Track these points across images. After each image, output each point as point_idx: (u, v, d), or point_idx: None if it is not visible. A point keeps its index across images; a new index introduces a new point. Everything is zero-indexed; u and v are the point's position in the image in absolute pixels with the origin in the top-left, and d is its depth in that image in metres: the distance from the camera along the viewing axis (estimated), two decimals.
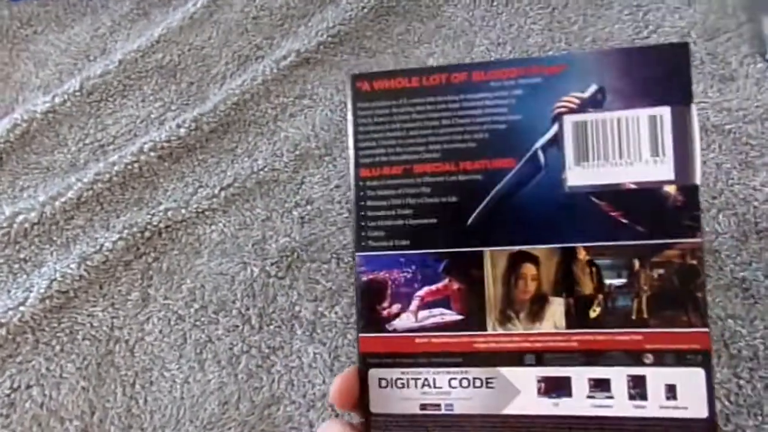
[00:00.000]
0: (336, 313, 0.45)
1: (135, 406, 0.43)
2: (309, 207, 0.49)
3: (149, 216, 0.49)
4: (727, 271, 0.43)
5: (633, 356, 0.23)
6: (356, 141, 0.25)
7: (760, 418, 0.38)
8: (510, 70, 0.24)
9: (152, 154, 0.51)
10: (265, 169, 0.50)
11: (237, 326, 0.45)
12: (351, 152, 0.25)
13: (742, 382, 0.40)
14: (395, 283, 0.24)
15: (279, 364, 0.44)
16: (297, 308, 0.45)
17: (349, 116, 0.25)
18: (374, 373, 0.24)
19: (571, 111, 0.23)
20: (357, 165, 0.25)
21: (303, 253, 0.47)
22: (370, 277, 0.25)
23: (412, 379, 0.24)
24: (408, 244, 0.24)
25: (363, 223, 0.25)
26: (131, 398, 0.43)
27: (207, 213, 0.49)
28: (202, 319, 0.46)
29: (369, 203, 0.25)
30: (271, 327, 0.45)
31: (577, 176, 0.23)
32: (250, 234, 0.48)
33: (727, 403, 0.39)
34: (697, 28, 0.52)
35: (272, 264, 0.47)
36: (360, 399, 0.24)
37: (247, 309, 0.46)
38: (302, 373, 0.43)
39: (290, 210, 0.49)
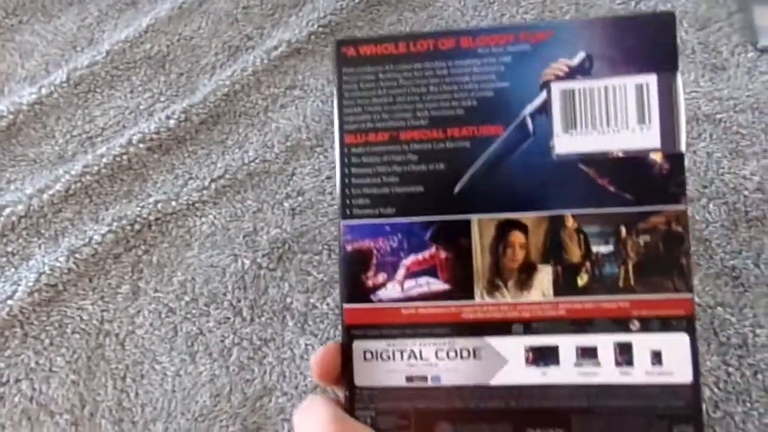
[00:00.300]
0: (327, 304, 0.45)
1: (126, 399, 0.43)
2: (300, 198, 0.48)
3: (139, 208, 0.48)
4: (717, 259, 0.43)
5: (620, 323, 0.23)
6: (341, 107, 0.25)
7: (748, 404, 0.39)
8: (498, 37, 0.24)
9: (141, 145, 0.50)
10: (256, 161, 0.50)
11: (228, 318, 0.45)
12: (336, 118, 0.25)
13: (731, 369, 0.40)
14: (381, 252, 0.24)
15: (271, 355, 0.44)
16: (288, 300, 0.45)
17: (335, 82, 0.25)
18: (359, 345, 0.24)
19: (559, 78, 0.23)
20: (342, 131, 0.25)
21: (294, 244, 0.47)
22: (355, 246, 0.24)
23: (398, 350, 0.23)
24: (394, 212, 0.24)
25: (348, 191, 0.24)
26: (122, 391, 0.43)
27: (197, 205, 0.49)
28: (193, 311, 0.45)
29: (354, 170, 0.24)
30: (263, 319, 0.45)
31: (565, 144, 0.23)
32: (241, 226, 0.48)
33: (716, 390, 0.39)
34: (689, 17, 0.52)
35: (263, 256, 0.46)
36: (343, 372, 0.24)
37: (239, 301, 0.45)
38: (294, 364, 0.43)
39: (281, 201, 0.48)
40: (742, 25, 0.51)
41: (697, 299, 0.42)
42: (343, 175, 0.24)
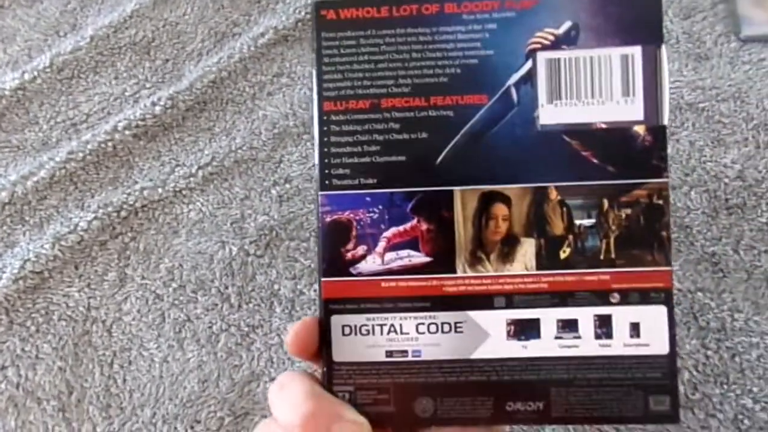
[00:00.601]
0: (315, 290, 0.45)
1: (113, 385, 0.43)
2: (287, 185, 0.48)
3: (125, 195, 0.48)
4: (697, 246, 0.44)
5: (600, 296, 0.23)
6: (320, 72, 0.24)
7: (726, 386, 0.40)
8: (484, 3, 0.23)
9: (127, 132, 0.50)
10: (243, 148, 0.50)
11: (216, 305, 0.45)
12: (314, 84, 0.24)
13: (709, 352, 0.41)
14: (361, 223, 0.23)
15: (258, 341, 0.44)
16: (276, 286, 0.45)
17: (313, 46, 0.24)
18: (337, 320, 0.23)
19: (545, 47, 0.23)
20: (320, 98, 0.24)
21: (281, 231, 0.47)
22: (334, 217, 0.23)
23: (378, 325, 0.23)
24: (375, 183, 0.23)
25: (326, 160, 0.24)
26: (109, 378, 0.43)
27: (184, 192, 0.49)
28: (181, 298, 0.45)
29: (333, 139, 0.24)
30: (251, 305, 0.45)
31: (549, 115, 0.23)
32: (229, 213, 0.48)
33: (695, 372, 0.40)
34: (674, 6, 0.53)
35: (251, 243, 0.47)
36: (321, 348, 0.23)
37: (226, 288, 0.45)
38: (282, 350, 0.43)
39: (269, 189, 0.48)
40: (725, 15, 0.52)
41: (677, 284, 0.43)
42: (321, 144, 0.24)
